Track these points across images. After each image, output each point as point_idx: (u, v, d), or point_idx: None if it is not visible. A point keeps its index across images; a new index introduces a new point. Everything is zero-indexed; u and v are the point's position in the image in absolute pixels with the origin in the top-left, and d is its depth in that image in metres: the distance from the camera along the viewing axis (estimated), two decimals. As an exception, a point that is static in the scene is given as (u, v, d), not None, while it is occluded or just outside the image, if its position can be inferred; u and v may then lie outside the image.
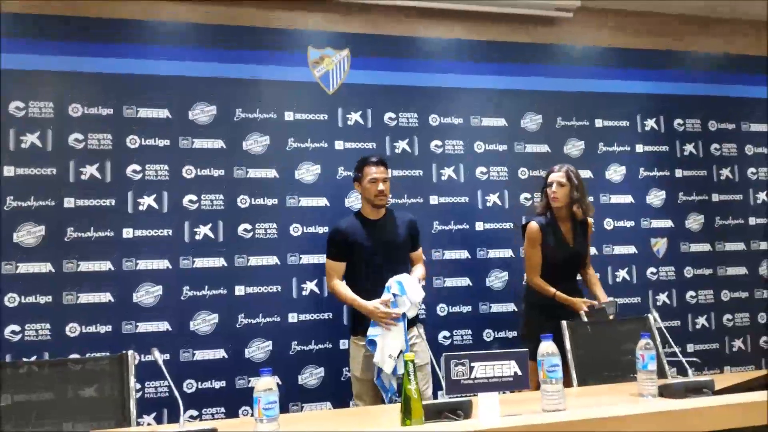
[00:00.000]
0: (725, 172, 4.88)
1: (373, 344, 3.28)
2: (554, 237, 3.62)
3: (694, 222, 4.75)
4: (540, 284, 3.58)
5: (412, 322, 3.42)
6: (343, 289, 3.46)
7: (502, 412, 1.91)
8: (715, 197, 4.82)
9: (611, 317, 3.45)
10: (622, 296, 4.44)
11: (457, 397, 2.00)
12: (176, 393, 2.03)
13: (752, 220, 4.89)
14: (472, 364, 1.86)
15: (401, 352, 3.22)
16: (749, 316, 4.80)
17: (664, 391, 2.25)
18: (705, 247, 4.75)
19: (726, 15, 5.02)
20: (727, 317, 4.75)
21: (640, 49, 4.78)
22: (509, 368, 1.89)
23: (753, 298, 4.83)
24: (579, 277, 3.80)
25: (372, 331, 3.30)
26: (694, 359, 4.50)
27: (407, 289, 3.28)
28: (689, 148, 4.81)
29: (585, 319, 3.42)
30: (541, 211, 3.70)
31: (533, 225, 3.64)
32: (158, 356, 2.18)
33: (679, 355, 2.56)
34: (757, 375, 2.21)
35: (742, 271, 4.82)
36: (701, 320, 4.69)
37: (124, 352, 2.46)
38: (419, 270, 3.57)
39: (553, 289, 3.55)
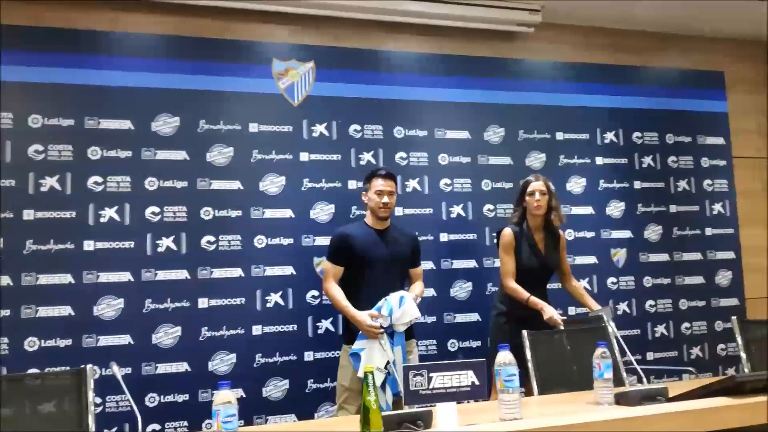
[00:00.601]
0: (682, 184, 5.01)
1: (357, 357, 3.28)
2: (527, 245, 3.68)
3: (653, 233, 4.87)
4: (514, 288, 3.61)
5: (409, 335, 3.44)
6: (337, 293, 3.43)
7: (460, 421, 1.93)
8: (673, 208, 4.94)
9: (611, 323, 3.43)
10: (583, 306, 4.50)
11: (418, 407, 2.02)
12: (135, 408, 2.01)
13: (708, 231, 5.02)
14: (431, 375, 1.89)
15: (388, 363, 3.22)
16: (706, 324, 4.92)
17: (621, 399, 2.30)
18: (663, 257, 4.87)
19: (683, 31, 5.17)
20: (685, 326, 4.86)
21: (600, 64, 4.90)
22: (467, 378, 1.92)
23: (710, 307, 4.95)
24: (562, 286, 3.90)
25: (357, 345, 3.31)
26: (656, 367, 4.60)
27: (403, 306, 3.29)
28: (647, 160, 4.93)
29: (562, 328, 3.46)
30: (518, 220, 3.75)
31: (507, 231, 3.70)
32: (117, 370, 2.17)
33: (634, 362, 2.62)
34: (708, 382, 2.27)
35: (699, 280, 4.94)
36: (660, 329, 4.79)
37: (82, 366, 2.42)
38: (418, 287, 3.59)
39: (526, 294, 3.58)
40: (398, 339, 3.33)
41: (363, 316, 3.30)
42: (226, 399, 1.76)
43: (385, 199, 3.49)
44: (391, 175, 3.57)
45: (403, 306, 3.30)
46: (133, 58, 3.90)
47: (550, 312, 3.47)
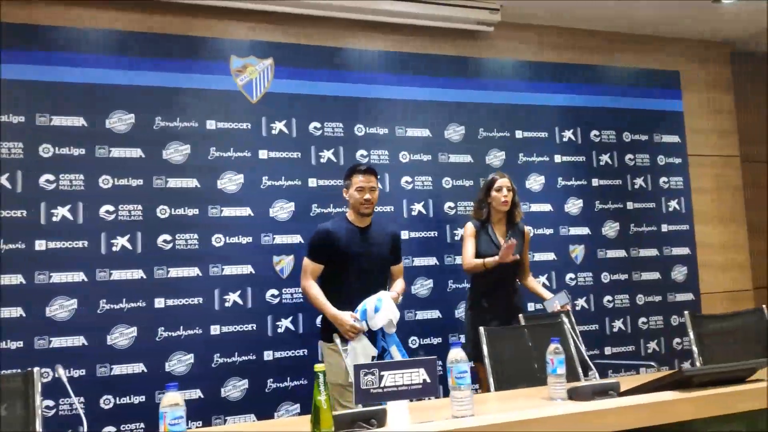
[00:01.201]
0: (639, 182, 5.10)
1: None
2: (489, 239, 3.73)
3: (610, 229, 4.94)
4: (474, 264, 3.67)
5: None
6: (316, 291, 3.35)
7: (413, 419, 1.93)
8: (630, 205, 5.02)
9: (568, 307, 3.53)
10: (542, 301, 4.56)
11: (373, 405, 2.01)
12: (80, 410, 1.97)
13: (664, 227, 5.12)
14: (382, 373, 1.88)
15: (373, 358, 3.18)
16: (662, 319, 5.02)
17: (573, 394, 2.32)
18: (620, 253, 4.95)
19: (640, 32, 5.26)
20: (642, 320, 4.95)
21: (559, 63, 4.95)
22: (418, 376, 1.92)
23: (666, 302, 5.05)
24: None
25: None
26: (620, 362, 4.68)
27: (379, 313, 3.21)
28: (605, 158, 5.00)
29: (549, 310, 3.53)
30: (484, 216, 3.78)
31: (469, 224, 3.78)
32: (62, 373, 2.12)
33: (586, 357, 2.65)
34: (659, 376, 2.31)
35: (655, 276, 5.04)
36: (618, 324, 4.87)
37: (29, 369, 2.36)
38: (399, 285, 3.53)
39: (481, 260, 3.63)
40: (391, 339, 3.26)
41: (345, 316, 3.22)
42: (173, 401, 1.73)
43: (367, 195, 3.40)
44: (371, 171, 3.47)
45: (378, 312, 3.22)
46: (87, 54, 3.82)
47: (506, 254, 3.51)
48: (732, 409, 2.11)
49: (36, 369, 2.35)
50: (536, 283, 3.91)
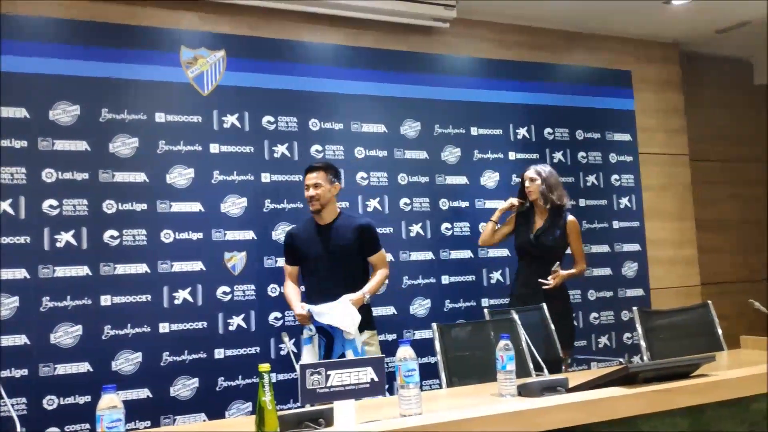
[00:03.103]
0: (591, 179, 5.16)
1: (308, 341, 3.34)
2: (524, 225, 4.03)
3: (564, 226, 4.99)
4: (483, 233, 4.20)
5: (360, 328, 3.34)
6: (286, 290, 3.58)
7: (360, 418, 1.91)
8: (582, 202, 5.09)
9: (558, 271, 3.84)
10: (497, 297, 4.60)
11: (322, 404, 1.98)
12: (12, 411, 1.89)
13: (616, 224, 5.20)
14: (328, 373, 1.85)
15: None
16: (613, 314, 5.10)
17: (523, 391, 2.34)
18: (573, 249, 5.00)
19: (594, 31, 5.32)
20: (593, 315, 5.03)
21: (514, 61, 4.98)
22: (366, 375, 1.89)
23: (617, 297, 5.14)
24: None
25: (306, 334, 3.36)
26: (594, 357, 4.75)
27: (331, 311, 3.28)
28: (558, 155, 5.05)
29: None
30: (523, 207, 4.08)
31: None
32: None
33: (536, 354, 2.67)
34: (605, 372, 2.33)
35: (606, 271, 5.12)
36: (570, 319, 4.92)
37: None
38: (373, 280, 3.51)
39: (490, 223, 4.13)
40: (348, 344, 3.28)
41: (295, 307, 3.43)
42: (110, 403, 1.68)
43: (310, 192, 3.47)
44: (313, 167, 3.53)
45: (327, 312, 3.27)
46: (30, 43, 3.67)
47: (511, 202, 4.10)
48: (676, 404, 2.14)
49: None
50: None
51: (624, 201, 5.26)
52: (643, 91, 5.48)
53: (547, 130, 5.04)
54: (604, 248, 5.13)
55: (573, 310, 4.09)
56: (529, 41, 5.10)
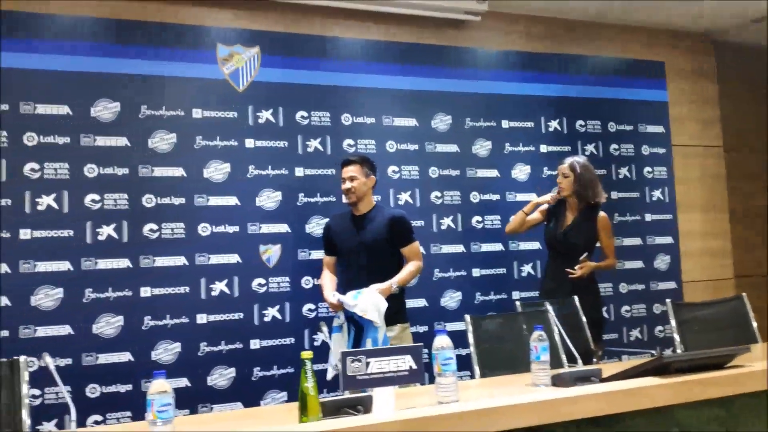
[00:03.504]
0: (623, 171, 5.14)
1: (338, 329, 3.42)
2: (554, 219, 4.02)
3: (596, 218, 4.98)
4: (511, 221, 4.20)
5: (391, 321, 3.40)
6: (322, 279, 3.66)
7: (398, 405, 1.96)
8: (614, 195, 5.06)
9: (586, 262, 3.84)
10: (528, 290, 4.61)
11: (360, 392, 2.03)
12: (68, 397, 1.98)
13: (648, 217, 5.18)
14: (368, 360, 1.90)
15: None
16: (645, 307, 5.08)
17: (557, 381, 2.36)
18: (605, 242, 4.99)
19: (626, 22, 5.29)
20: (625, 308, 5.01)
21: (545, 53, 4.98)
22: (405, 363, 1.94)
23: (649, 290, 5.11)
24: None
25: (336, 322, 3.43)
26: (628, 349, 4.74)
27: (360, 300, 3.31)
28: (590, 148, 5.04)
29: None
30: (554, 198, 4.07)
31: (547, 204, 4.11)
32: (50, 361, 2.12)
33: (570, 345, 2.69)
34: (640, 363, 2.35)
35: (638, 264, 5.10)
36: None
37: (15, 358, 2.36)
38: (406, 268, 3.55)
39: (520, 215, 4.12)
40: (372, 333, 3.32)
41: (327, 295, 3.53)
42: (161, 388, 1.75)
43: (346, 184, 3.54)
44: (348, 161, 3.61)
45: (356, 300, 3.31)
46: (72, 42, 3.78)
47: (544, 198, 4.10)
48: (710, 394, 2.15)
49: (22, 357, 2.36)
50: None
51: (656, 193, 5.23)
52: (677, 81, 5.43)
53: (579, 122, 5.03)
54: (636, 241, 5.11)
55: (603, 304, 4.08)
56: (560, 33, 5.09)
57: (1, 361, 2.38)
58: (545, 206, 4.11)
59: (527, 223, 4.15)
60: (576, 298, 3.59)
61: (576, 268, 3.82)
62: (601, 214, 4.00)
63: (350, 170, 3.56)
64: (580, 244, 3.91)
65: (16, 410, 2.32)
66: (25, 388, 2.34)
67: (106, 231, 3.74)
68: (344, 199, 3.62)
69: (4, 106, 3.62)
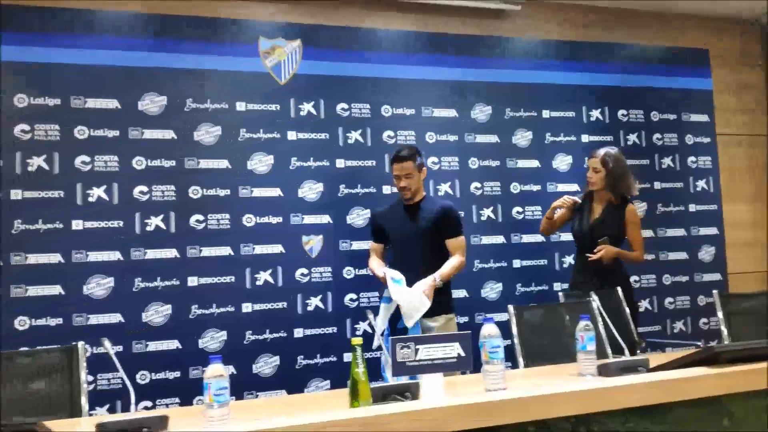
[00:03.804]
0: (667, 161, 5.07)
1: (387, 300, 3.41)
2: (581, 213, 3.91)
3: (637, 209, 4.89)
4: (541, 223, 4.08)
5: (435, 312, 3.44)
6: (370, 263, 3.70)
7: (446, 393, 1.98)
8: (657, 185, 5.00)
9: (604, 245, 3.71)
10: (567, 281, 4.57)
11: (407, 379, 2.07)
12: (128, 382, 2.05)
13: (692, 207, 5.09)
14: (417, 347, 1.93)
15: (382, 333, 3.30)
16: (689, 298, 5.01)
17: (603, 371, 2.35)
18: (647, 233, 4.91)
19: (669, 9, 5.19)
20: (668, 300, 4.95)
21: (586, 42, 4.92)
22: (453, 350, 1.97)
23: (693, 282, 5.04)
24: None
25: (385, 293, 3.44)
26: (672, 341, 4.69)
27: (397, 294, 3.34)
28: (632, 137, 4.98)
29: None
30: (586, 190, 3.97)
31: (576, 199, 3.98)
32: (109, 346, 2.20)
33: (616, 335, 2.68)
34: (688, 353, 2.34)
35: (682, 256, 5.03)
36: (644, 303, 4.87)
37: (74, 343, 2.44)
38: (446, 265, 3.54)
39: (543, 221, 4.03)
40: (413, 331, 3.36)
41: (377, 271, 3.58)
42: (217, 372, 1.80)
43: (402, 183, 3.55)
44: (403, 158, 3.58)
45: (399, 293, 3.34)
46: (118, 37, 3.88)
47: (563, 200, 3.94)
48: (760, 385, 2.12)
49: (80, 343, 2.44)
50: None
51: (701, 183, 5.14)
52: (721, 69, 5.32)
53: (621, 111, 4.97)
54: (680, 232, 5.04)
55: (634, 295, 3.95)
56: (600, 21, 5.02)
57: (60, 347, 2.47)
58: (571, 205, 3.97)
59: (557, 224, 4.04)
60: (619, 289, 3.55)
61: (595, 250, 3.72)
62: (630, 206, 3.89)
63: (405, 167, 3.54)
64: (613, 237, 3.80)
65: (74, 395, 2.41)
66: (83, 374, 2.42)
67: (155, 222, 3.83)
68: (401, 195, 3.65)
69: (56, 100, 3.74)
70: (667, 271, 4.96)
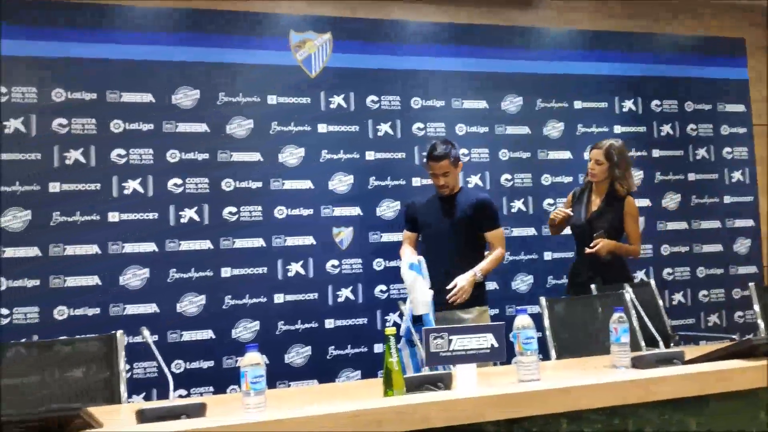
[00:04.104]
0: (701, 152, 4.99)
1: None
2: (579, 205, 3.80)
3: (671, 201, 4.86)
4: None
5: (469, 304, 3.38)
6: (403, 251, 3.55)
7: (479, 383, 1.99)
8: (692, 176, 4.93)
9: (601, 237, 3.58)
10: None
11: (439, 370, 2.08)
12: (166, 369, 2.10)
13: (727, 199, 5.01)
14: (451, 337, 1.94)
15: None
16: (724, 291, 4.94)
17: (637, 363, 2.33)
18: (682, 225, 4.87)
19: (703, -3, 5.11)
20: (702, 293, 4.88)
21: (618, 32, 4.86)
22: (486, 341, 1.97)
23: (728, 275, 4.96)
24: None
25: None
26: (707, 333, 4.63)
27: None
28: (666, 128, 4.91)
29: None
30: (584, 183, 3.88)
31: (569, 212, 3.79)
32: (147, 335, 2.24)
33: (651, 328, 2.66)
34: (725, 345, 2.30)
35: (717, 248, 4.95)
36: (678, 296, 4.81)
37: (113, 332, 2.50)
38: (489, 258, 3.48)
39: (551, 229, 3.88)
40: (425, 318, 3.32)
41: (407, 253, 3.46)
42: (253, 361, 1.83)
43: (441, 182, 3.50)
44: (438, 157, 3.46)
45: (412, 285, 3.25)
46: (151, 32, 3.94)
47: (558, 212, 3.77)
48: (800, 378, 2.09)
49: (119, 332, 2.49)
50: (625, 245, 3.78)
51: (736, 175, 5.05)
52: (757, 58, 5.20)
53: (655, 102, 4.89)
54: (715, 224, 4.96)
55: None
56: (634, 10, 4.95)
57: (100, 336, 2.52)
58: (570, 195, 3.90)
59: (562, 224, 3.86)
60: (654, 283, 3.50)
61: (591, 244, 3.59)
62: (629, 198, 3.73)
63: (442, 167, 3.46)
64: (611, 231, 3.66)
65: (113, 383, 2.45)
66: (122, 363, 2.47)
67: (188, 214, 3.89)
68: (439, 192, 3.55)
69: (92, 95, 3.81)
70: (701, 263, 4.89)
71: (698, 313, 4.87)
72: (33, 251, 3.64)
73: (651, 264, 4.77)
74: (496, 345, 1.97)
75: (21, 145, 3.67)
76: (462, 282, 3.33)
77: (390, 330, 1.87)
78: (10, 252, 3.61)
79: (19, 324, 3.58)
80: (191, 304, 3.86)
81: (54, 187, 3.70)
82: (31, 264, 3.63)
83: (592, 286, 3.54)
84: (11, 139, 3.66)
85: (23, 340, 3.42)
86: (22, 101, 3.69)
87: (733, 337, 4.23)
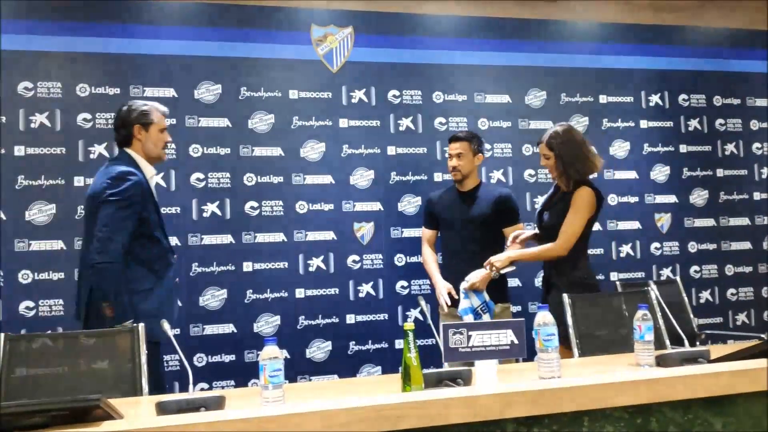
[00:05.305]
0: (730, 148, 4.88)
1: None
2: (544, 202, 3.45)
3: (699, 197, 4.77)
4: None
5: (500, 298, 3.46)
6: (425, 257, 3.68)
7: (499, 380, 1.96)
8: (720, 172, 4.83)
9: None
10: (626, 271, 4.49)
11: (458, 366, 2.06)
12: (186, 363, 2.10)
13: (757, 195, 4.90)
14: (470, 333, 1.92)
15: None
16: (753, 290, 4.83)
17: (661, 361, 2.30)
18: (709, 222, 4.78)
19: (732, -10, 5.00)
20: (731, 291, 4.79)
21: (644, 25, 4.77)
22: (506, 337, 1.95)
23: (757, 273, 4.85)
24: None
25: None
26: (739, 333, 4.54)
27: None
28: (694, 123, 4.82)
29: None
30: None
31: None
32: (167, 328, 2.25)
33: (676, 326, 2.61)
34: (752, 344, 2.25)
35: (746, 245, 4.84)
36: (705, 294, 4.73)
37: (134, 325, 2.51)
38: (539, 247, 3.38)
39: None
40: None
41: (441, 288, 3.49)
42: (272, 354, 1.82)
43: (453, 162, 3.53)
44: (458, 138, 3.58)
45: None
46: (173, 27, 3.96)
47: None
48: (830, 378, 2.03)
49: (141, 325, 2.50)
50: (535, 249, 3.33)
51: (766, 171, 4.94)
52: (789, 52, 5.08)
53: (682, 96, 4.80)
54: (744, 221, 4.85)
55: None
56: (659, 4, 4.85)
57: (122, 329, 2.53)
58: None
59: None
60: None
61: (485, 264, 3.22)
62: (581, 190, 3.19)
63: (458, 147, 3.53)
64: (552, 226, 3.22)
65: (135, 375, 2.47)
66: (143, 355, 2.49)
67: (211, 208, 3.91)
68: (452, 176, 3.60)
69: (115, 89, 3.84)
70: (729, 261, 4.79)
71: (726, 311, 4.77)
72: (58, 245, 3.69)
73: (678, 261, 4.68)
74: (515, 341, 1.95)
75: (46, 139, 3.71)
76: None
77: (409, 325, 1.86)
78: (35, 245, 3.65)
79: (45, 316, 3.63)
80: (213, 298, 3.88)
81: (79, 181, 3.74)
82: (56, 257, 3.67)
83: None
84: (37, 134, 3.70)
85: (48, 332, 3.48)
86: (47, 96, 3.74)
87: (762, 336, 4.13)
